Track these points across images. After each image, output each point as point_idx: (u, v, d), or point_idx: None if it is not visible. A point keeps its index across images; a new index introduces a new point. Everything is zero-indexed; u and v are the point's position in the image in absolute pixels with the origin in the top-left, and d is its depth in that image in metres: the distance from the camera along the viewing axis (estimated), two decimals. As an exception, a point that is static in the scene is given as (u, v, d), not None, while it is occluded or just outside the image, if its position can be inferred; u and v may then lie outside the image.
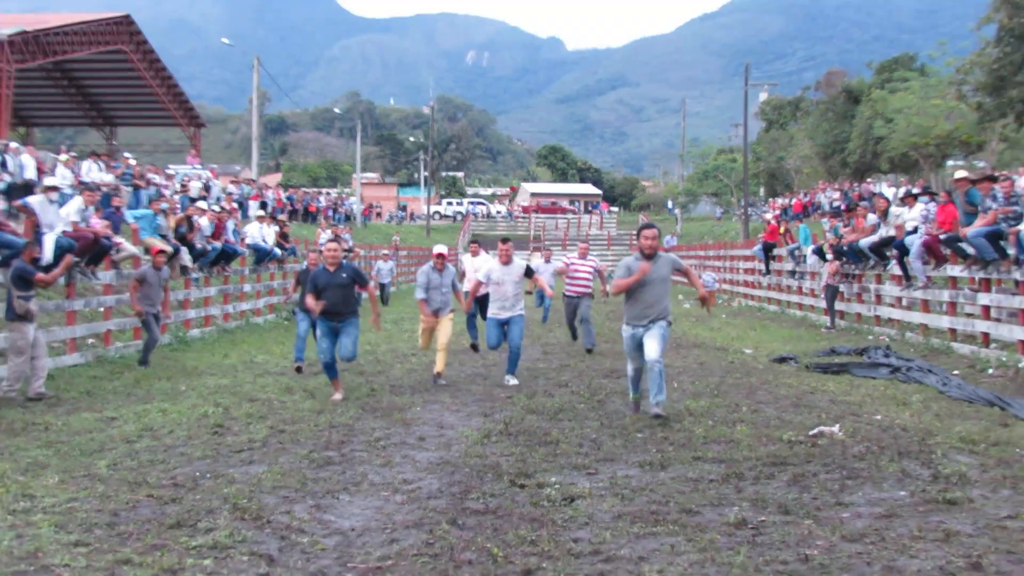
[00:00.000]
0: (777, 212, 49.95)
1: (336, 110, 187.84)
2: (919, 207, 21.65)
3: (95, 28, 43.00)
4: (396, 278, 44.27)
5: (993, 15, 42.71)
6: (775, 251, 32.97)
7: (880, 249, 22.61)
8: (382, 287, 38.15)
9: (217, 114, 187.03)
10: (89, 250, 18.54)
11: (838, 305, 25.14)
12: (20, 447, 10.52)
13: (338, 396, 13.89)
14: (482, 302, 18.26)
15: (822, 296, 26.03)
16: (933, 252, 19.70)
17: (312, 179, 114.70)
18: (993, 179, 19.29)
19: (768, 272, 33.59)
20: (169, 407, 13.04)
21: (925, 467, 9.25)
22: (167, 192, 30.29)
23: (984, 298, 17.70)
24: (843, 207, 35.19)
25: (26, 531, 7.26)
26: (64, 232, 17.45)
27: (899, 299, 21.87)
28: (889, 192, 38.40)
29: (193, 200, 29.05)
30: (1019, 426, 11.29)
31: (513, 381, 15.64)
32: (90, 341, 18.73)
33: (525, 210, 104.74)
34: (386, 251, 43.30)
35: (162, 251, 18.57)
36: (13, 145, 28.45)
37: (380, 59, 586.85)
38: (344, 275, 13.92)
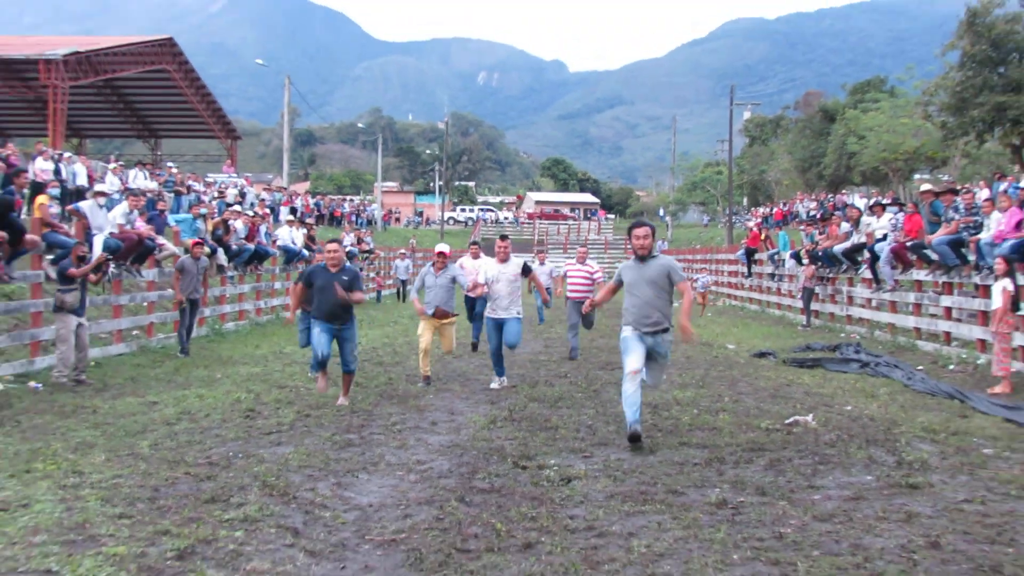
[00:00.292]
0: (759, 220, 49.95)
1: (359, 125, 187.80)
2: (888, 216, 21.68)
3: (142, 49, 43.06)
4: (412, 275, 44.47)
5: (957, 42, 42.68)
6: (756, 256, 32.97)
7: (852, 255, 22.62)
8: (403, 283, 38.56)
9: (251, 128, 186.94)
10: (134, 250, 18.59)
11: (813, 305, 25.15)
12: (70, 428, 10.56)
13: (322, 384, 12.85)
14: (472, 303, 18.21)
15: (799, 297, 26.02)
16: (900, 258, 19.70)
17: (337, 187, 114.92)
18: (955, 192, 19.35)
19: (750, 275, 33.57)
20: (205, 393, 13.08)
21: (890, 454, 9.28)
22: (206, 198, 30.33)
23: (946, 300, 17.72)
24: (819, 216, 35.11)
25: (75, 504, 7.29)
26: (111, 234, 17.48)
27: (869, 300, 21.88)
28: (861, 203, 38.41)
29: (229, 205, 29.05)
30: (977, 417, 11.30)
31: (496, 384, 14.02)
32: (135, 332, 18.77)
33: (530, 216, 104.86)
34: (403, 251, 43.35)
35: (199, 243, 18.64)
36: (67, 155, 28.56)
37: (400, 79, 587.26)
38: (345, 278, 12.12)
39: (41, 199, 17.03)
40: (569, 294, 18.63)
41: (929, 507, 7.35)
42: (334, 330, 12.29)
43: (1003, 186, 23.96)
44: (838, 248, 23.36)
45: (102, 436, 10.08)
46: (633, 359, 10.00)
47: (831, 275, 24.53)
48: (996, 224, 15.95)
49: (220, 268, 22.53)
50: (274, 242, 27.90)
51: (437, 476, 8.43)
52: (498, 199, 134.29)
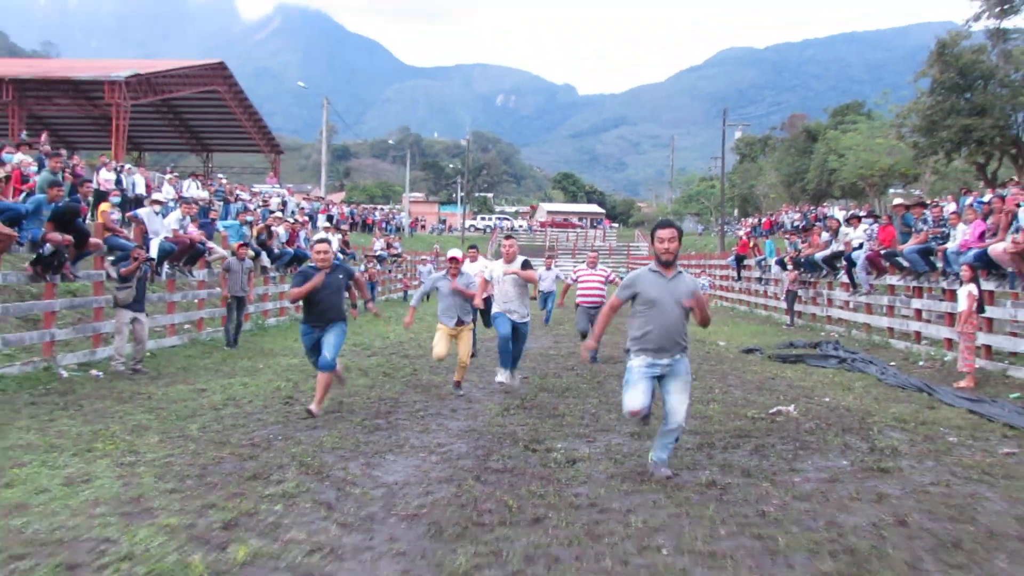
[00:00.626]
0: (748, 230, 49.73)
1: (390, 141, 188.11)
2: (864, 227, 21.62)
3: (195, 72, 43.20)
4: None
5: (927, 70, 42.59)
6: (746, 261, 32.91)
7: (831, 261, 22.59)
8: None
9: (293, 143, 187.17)
10: (186, 253, 18.65)
11: (796, 307, 25.13)
12: (127, 412, 10.60)
13: (337, 376, 10.97)
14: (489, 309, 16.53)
15: (783, 299, 26.02)
16: (875, 264, 19.67)
17: (369, 197, 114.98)
18: (924, 205, 19.40)
19: (739, 279, 33.48)
20: (249, 381, 13.14)
21: (864, 441, 9.27)
22: (251, 206, 30.42)
23: (917, 303, 17.69)
24: (802, 226, 35.03)
25: (131, 480, 7.34)
26: (166, 238, 17.56)
27: (847, 302, 21.85)
28: (840, 215, 38.29)
29: (272, 213, 29.14)
30: (943, 409, 11.26)
31: (502, 377, 12.43)
32: (186, 327, 18.81)
33: (542, 225, 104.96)
34: (425, 256, 43.42)
35: (244, 246, 18.73)
36: (127, 166, 28.72)
37: (426, 100, 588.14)
38: (340, 276, 10.65)
39: (104, 206, 17.12)
40: (580, 300, 16.95)
41: (898, 489, 7.36)
42: (319, 334, 10.48)
43: (968, 200, 23.88)
44: (819, 255, 23.35)
45: (156, 419, 10.12)
46: (634, 395, 7.54)
47: (812, 279, 24.49)
48: (962, 235, 15.94)
49: (264, 269, 22.62)
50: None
51: (456, 457, 8.45)
52: (514, 209, 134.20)
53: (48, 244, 13.65)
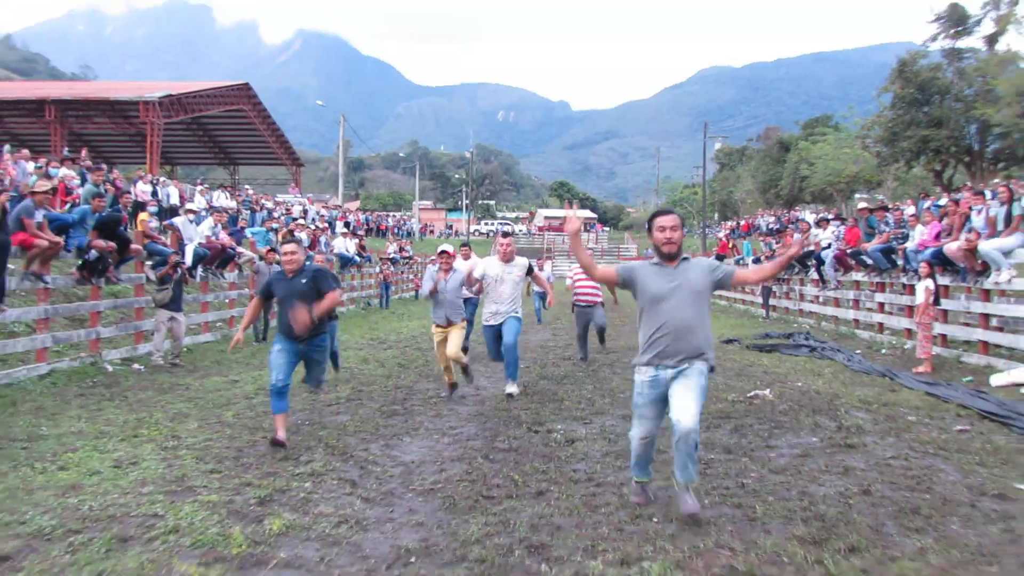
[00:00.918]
0: (727, 232, 49.83)
1: (400, 154, 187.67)
2: (832, 229, 21.71)
3: (223, 92, 43.22)
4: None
5: (889, 86, 42.76)
6: (725, 260, 32.98)
7: (803, 260, 22.64)
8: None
9: (312, 156, 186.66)
10: (218, 257, 18.74)
11: (771, 301, 25.21)
12: (168, 401, 10.68)
13: (281, 435, 7.98)
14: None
15: (759, 294, 26.09)
16: (842, 262, 19.73)
17: (382, 205, 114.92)
18: (887, 209, 19.43)
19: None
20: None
21: (832, 420, 9.32)
22: (275, 214, 30.50)
23: (880, 297, 17.75)
24: (776, 228, 35.11)
25: (174, 462, 7.41)
26: (200, 244, 17.64)
27: (817, 297, 21.90)
28: (810, 218, 38.33)
29: (294, 220, 29.20)
30: (903, 391, 11.31)
31: (513, 388, 10.94)
32: (218, 324, 18.85)
33: (540, 229, 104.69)
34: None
35: (271, 251, 18.83)
36: (162, 179, 28.77)
37: (434, 116, 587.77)
38: (304, 280, 8.30)
39: (142, 216, 17.19)
40: (575, 300, 15.05)
41: (863, 462, 7.43)
42: (299, 350, 8.28)
43: (926, 204, 23.92)
44: (792, 254, 23.42)
45: (194, 408, 10.19)
46: (638, 426, 6.00)
47: (786, 276, 24.52)
48: (920, 235, 16.01)
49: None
50: (331, 250, 28.03)
51: (466, 439, 8.51)
52: (514, 215, 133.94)
53: (93, 250, 13.75)
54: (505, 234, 11.08)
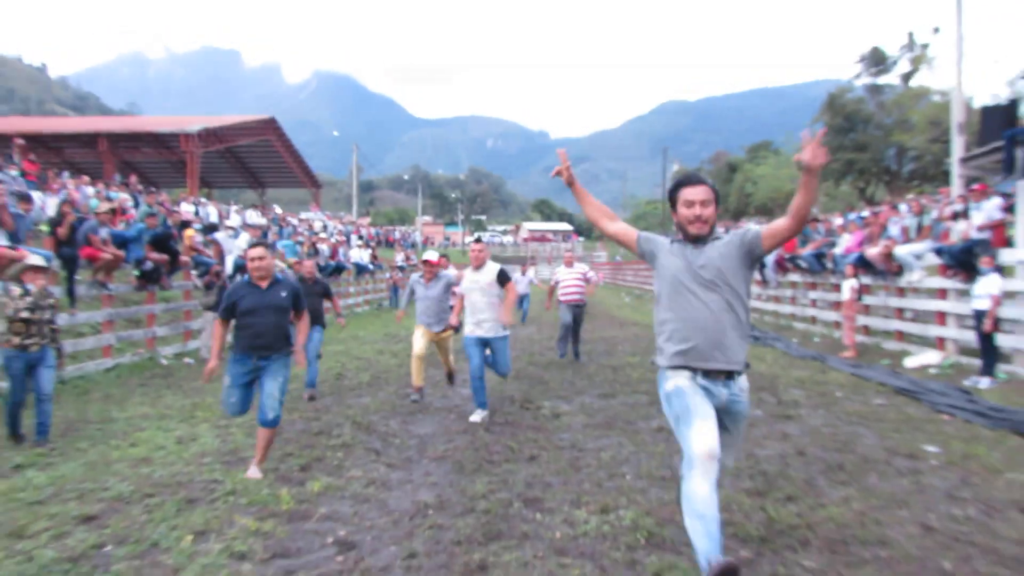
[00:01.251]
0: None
1: (404, 177, 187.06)
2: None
3: (251, 125, 43.11)
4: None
5: (821, 116, 43.14)
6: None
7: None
8: None
9: (329, 179, 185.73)
10: (254, 266, 18.81)
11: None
12: (217, 389, 10.64)
13: (255, 471, 6.18)
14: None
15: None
16: (781, 265, 19.87)
17: (389, 220, 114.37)
18: (817, 220, 19.61)
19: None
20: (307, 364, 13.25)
21: (773, 396, 9.48)
22: (300, 229, 30.54)
23: (812, 294, 17.85)
24: (726, 237, 35.32)
25: (227, 437, 7.57)
26: (239, 255, 17.73)
27: (759, 295, 22.05)
28: (754, 228, 38.58)
29: (315, 234, 29.29)
30: (832, 372, 11.47)
31: (476, 418, 8.31)
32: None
33: (525, 240, 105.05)
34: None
35: (299, 261, 18.89)
36: (202, 200, 28.77)
37: (432, 144, 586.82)
38: (283, 294, 6.47)
39: (188, 232, 17.24)
40: (561, 298, 13.42)
41: (798, 430, 7.60)
42: (252, 372, 6.29)
43: (851, 216, 24.17)
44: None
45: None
46: (701, 431, 3.87)
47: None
48: (845, 242, 16.19)
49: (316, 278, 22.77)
50: (348, 259, 28.15)
51: (469, 415, 8.58)
52: (502, 228, 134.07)
53: (149, 262, 13.86)
54: (477, 239, 9.02)
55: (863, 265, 14.58)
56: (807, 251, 18.05)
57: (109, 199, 17.68)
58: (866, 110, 42.59)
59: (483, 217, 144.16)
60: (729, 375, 4.03)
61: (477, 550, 4.48)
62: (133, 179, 27.65)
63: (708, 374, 3.99)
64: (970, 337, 11.14)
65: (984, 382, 10.03)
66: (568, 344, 13.64)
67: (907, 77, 43.08)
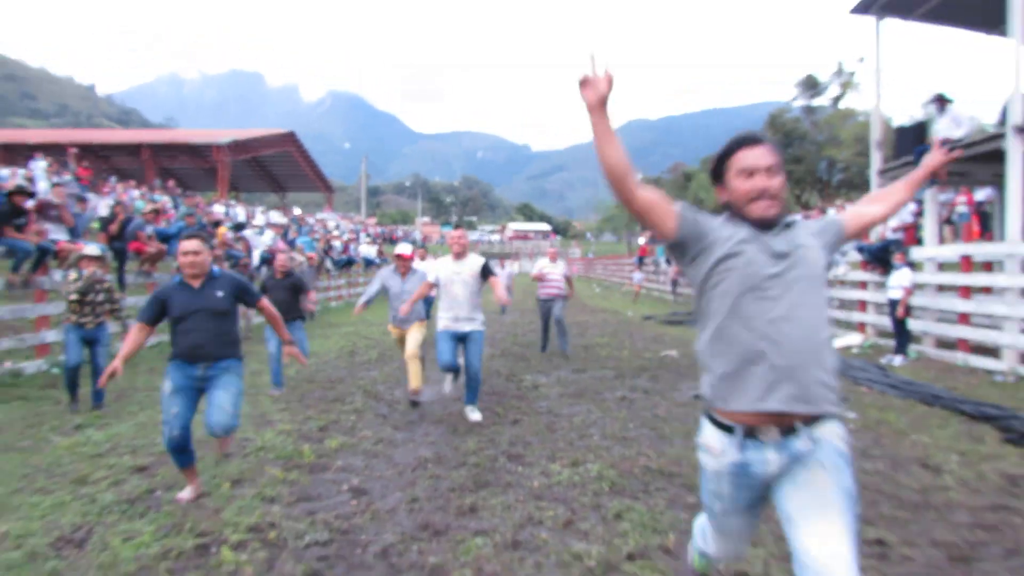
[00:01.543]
0: (647, 239, 50.15)
1: (406, 184, 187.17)
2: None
3: (274, 137, 42.92)
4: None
5: (763, 133, 43.22)
6: (645, 260, 33.32)
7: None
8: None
9: (340, 185, 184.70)
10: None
11: (678, 289, 25.45)
12: (246, 364, 10.81)
13: (187, 494, 4.54)
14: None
15: (669, 284, 26.38)
16: (728, 261, 20.07)
17: (393, 220, 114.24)
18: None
19: (641, 270, 33.94)
20: (323, 343, 13.21)
21: None
22: (316, 228, 30.49)
23: None
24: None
25: (256, 403, 7.59)
26: (264, 250, 17.75)
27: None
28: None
29: (329, 232, 29.25)
30: None
31: (475, 416, 6.90)
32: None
33: (510, 238, 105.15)
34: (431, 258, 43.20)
35: (312, 256, 18.93)
36: (231, 202, 28.66)
37: (430, 155, 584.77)
38: (220, 293, 4.71)
39: (221, 229, 17.21)
40: (540, 294, 11.65)
41: None
42: (197, 380, 4.60)
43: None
44: (693, 255, 23.73)
45: (265, 367, 10.16)
46: (728, 539, 2.45)
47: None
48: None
49: (327, 270, 22.80)
50: (358, 254, 28.15)
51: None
52: (491, 227, 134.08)
53: (188, 255, 13.88)
54: (457, 226, 6.68)
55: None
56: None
57: (153, 201, 17.64)
58: (802, 128, 42.82)
59: (474, 218, 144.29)
60: (813, 417, 2.16)
61: (469, 496, 4.59)
62: (171, 183, 27.55)
63: (793, 412, 2.12)
64: (886, 322, 11.29)
65: (897, 360, 10.21)
66: (549, 338, 11.86)
67: (836, 100, 43.33)
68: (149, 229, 12.69)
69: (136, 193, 20.26)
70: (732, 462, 2.23)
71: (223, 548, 3.71)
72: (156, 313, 4.55)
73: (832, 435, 2.16)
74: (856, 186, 40.23)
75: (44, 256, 9.89)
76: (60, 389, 8.22)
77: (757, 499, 2.30)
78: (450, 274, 6.94)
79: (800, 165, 41.20)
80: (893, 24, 13.86)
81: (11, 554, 3.63)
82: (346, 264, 25.08)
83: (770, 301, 2.16)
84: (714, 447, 2.30)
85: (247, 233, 18.11)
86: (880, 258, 11.76)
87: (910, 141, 12.07)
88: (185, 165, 43.28)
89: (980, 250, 10.56)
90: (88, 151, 35.92)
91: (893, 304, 10.47)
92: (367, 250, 29.31)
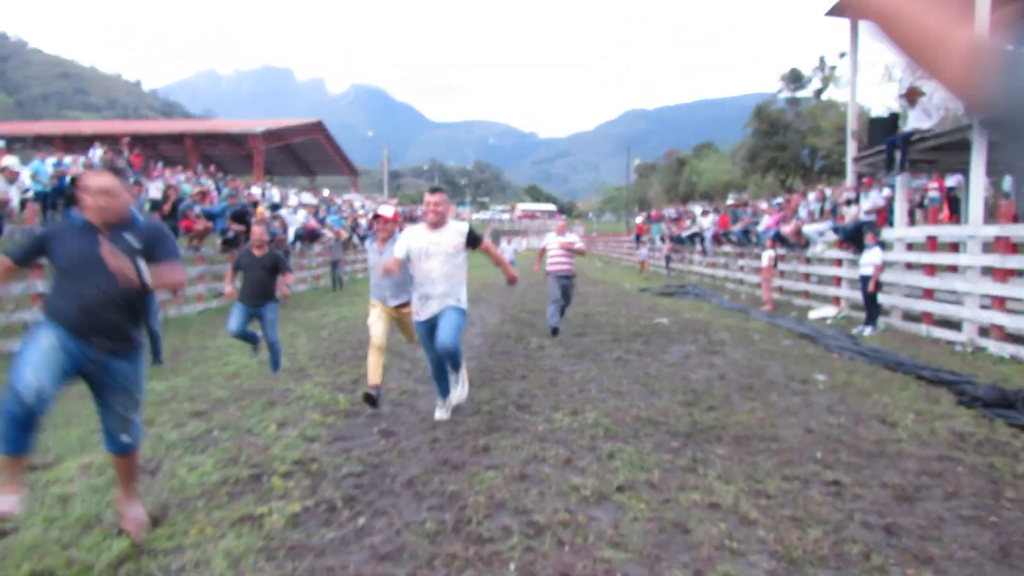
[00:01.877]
0: (643, 219, 50.01)
1: (424, 167, 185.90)
2: (711, 217, 22.02)
3: (304, 127, 42.97)
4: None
5: (750, 122, 42.93)
6: (641, 238, 33.27)
7: (692, 237, 23.00)
8: None
9: (364, 170, 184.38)
10: (311, 235, 19.01)
11: (671, 265, 25.45)
12: (284, 326, 10.86)
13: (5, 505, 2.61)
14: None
15: (663, 260, 26.39)
16: (717, 239, 20.10)
17: (412, 201, 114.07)
18: (746, 204, 19.80)
19: (638, 248, 33.92)
20: (350, 308, 13.36)
21: (705, 337, 9.61)
22: (343, 208, 30.62)
23: (740, 262, 17.96)
24: (675, 217, 35.38)
25: (295, 360, 7.80)
26: (299, 227, 17.96)
27: (700, 262, 22.24)
28: (697, 210, 38.66)
29: (355, 211, 29.39)
30: (753, 321, 11.56)
31: (442, 413, 5.33)
32: (309, 279, 19.15)
33: (519, 217, 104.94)
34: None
35: (339, 232, 19.12)
36: (267, 185, 28.81)
37: (445, 142, 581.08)
38: (128, 236, 2.93)
39: (260, 208, 17.44)
40: (549, 268, 9.94)
41: (722, 361, 7.79)
42: (84, 360, 2.79)
43: (774, 201, 24.39)
44: (685, 233, 23.66)
45: (302, 329, 10.53)
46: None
47: (680, 249, 24.87)
48: (765, 222, 16.44)
49: (354, 244, 22.99)
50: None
51: (477, 347, 8.81)
52: (501, 207, 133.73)
53: (231, 231, 14.09)
54: (434, 189, 5.23)
55: (779, 239, 14.78)
56: (737, 228, 18.27)
57: (200, 184, 17.82)
58: (786, 118, 42.43)
59: (486, 199, 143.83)
60: None
61: (482, 437, 4.81)
62: (212, 168, 27.67)
63: None
64: (858, 296, 11.38)
65: (867, 331, 10.30)
66: (559, 315, 9.94)
67: (819, 92, 42.94)
68: (197, 209, 12.90)
69: (182, 177, 20.43)
70: None
71: (273, 477, 3.96)
72: (32, 252, 3.07)
73: None
74: (837, 172, 39.98)
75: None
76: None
77: None
78: (424, 246, 4.96)
79: (784, 152, 41.01)
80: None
81: (95, 480, 3.90)
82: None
83: None
84: None
85: (283, 212, 18.30)
86: (853, 238, 11.85)
87: (883, 132, 12.10)
88: (224, 152, 43.45)
89: (945, 231, 10.63)
90: (137, 140, 36.09)
91: (864, 280, 10.56)
92: (390, 228, 29.52)
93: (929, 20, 0.68)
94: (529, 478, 3.99)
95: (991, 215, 11.07)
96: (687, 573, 2.84)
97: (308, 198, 29.03)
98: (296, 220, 17.95)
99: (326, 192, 34.89)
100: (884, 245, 11.03)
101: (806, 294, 13.98)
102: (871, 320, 10.55)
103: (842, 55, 40.36)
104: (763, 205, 21.44)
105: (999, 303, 8.48)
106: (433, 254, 5.01)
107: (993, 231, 8.66)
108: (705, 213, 23.65)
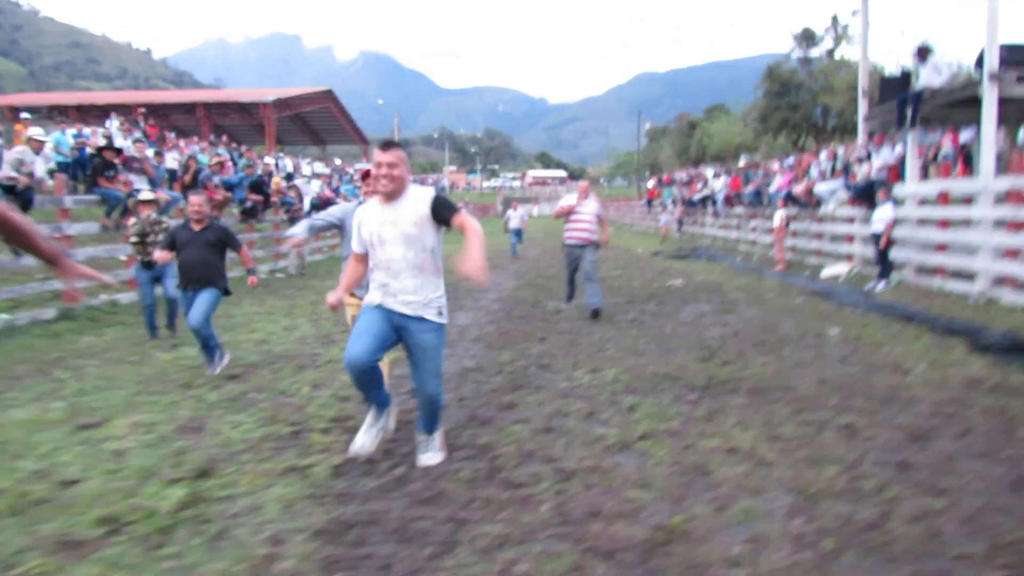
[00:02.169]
0: (655, 183, 49.75)
1: (434, 136, 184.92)
2: (723, 179, 21.96)
3: (314, 95, 42.76)
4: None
5: (762, 84, 42.37)
6: (653, 202, 33.24)
7: (704, 200, 22.97)
8: None
9: (374, 138, 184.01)
10: (325, 205, 19.04)
11: (683, 227, 25.44)
12: (304, 295, 11.13)
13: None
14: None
15: (675, 223, 26.36)
16: (729, 201, 20.07)
17: (423, 170, 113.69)
18: (757, 166, 19.72)
19: (650, 212, 33.87)
20: None
21: (719, 296, 9.72)
22: (355, 176, 30.70)
23: (752, 223, 17.97)
24: (687, 180, 35.24)
25: (320, 326, 8.00)
26: (314, 196, 18.07)
27: (712, 224, 22.23)
28: (709, 173, 38.40)
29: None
30: (766, 280, 11.61)
31: (430, 458, 3.56)
32: (325, 248, 19.21)
33: (530, 184, 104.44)
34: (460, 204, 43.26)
35: (351, 198, 19.21)
36: (280, 155, 28.91)
37: (455, 109, 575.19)
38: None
39: (276, 178, 17.57)
40: (566, 236, 8.69)
41: (736, 319, 7.89)
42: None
43: (786, 162, 24.23)
44: (696, 196, 23.66)
45: (319, 297, 10.49)
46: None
47: (693, 211, 24.83)
48: (777, 182, 16.40)
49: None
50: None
51: (495, 311, 8.99)
52: (511, 175, 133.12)
53: (249, 201, 14.25)
54: (387, 145, 3.41)
55: (791, 199, 14.78)
56: (749, 189, 18.23)
57: (217, 155, 17.94)
58: (798, 78, 41.78)
59: (496, 167, 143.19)
60: None
61: (507, 395, 4.99)
62: (224, 138, 27.75)
63: None
64: (871, 253, 11.42)
65: (880, 286, 10.37)
66: (574, 288, 9.15)
67: (831, 51, 42.24)
68: (216, 179, 13.04)
69: (197, 148, 20.54)
70: None
71: (312, 433, 4.16)
72: None
73: None
74: (850, 130, 39.48)
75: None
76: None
77: None
78: (377, 227, 3.45)
79: (797, 112, 40.49)
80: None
81: (146, 436, 4.11)
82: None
83: None
84: None
85: (298, 182, 18.40)
86: (865, 195, 11.84)
87: (894, 89, 11.99)
88: (235, 122, 43.38)
89: (956, 186, 10.59)
90: (149, 109, 36.16)
91: (876, 236, 10.59)
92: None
93: None
94: (555, 430, 4.17)
95: (1005, 169, 11.01)
96: (710, 508, 3.01)
97: (321, 168, 29.15)
98: (311, 190, 18.06)
99: (338, 161, 35.00)
100: (896, 201, 11.01)
101: (819, 253, 13.97)
102: (884, 275, 10.59)
103: (854, 13, 39.61)
104: (775, 166, 21.35)
105: (1012, 254, 8.51)
106: (388, 238, 3.40)
107: (1005, 184, 8.65)
108: (717, 175, 23.56)
